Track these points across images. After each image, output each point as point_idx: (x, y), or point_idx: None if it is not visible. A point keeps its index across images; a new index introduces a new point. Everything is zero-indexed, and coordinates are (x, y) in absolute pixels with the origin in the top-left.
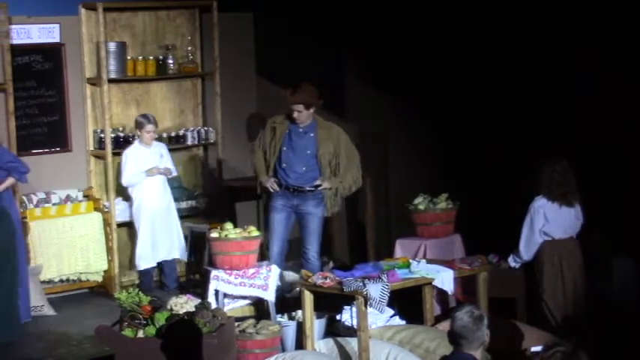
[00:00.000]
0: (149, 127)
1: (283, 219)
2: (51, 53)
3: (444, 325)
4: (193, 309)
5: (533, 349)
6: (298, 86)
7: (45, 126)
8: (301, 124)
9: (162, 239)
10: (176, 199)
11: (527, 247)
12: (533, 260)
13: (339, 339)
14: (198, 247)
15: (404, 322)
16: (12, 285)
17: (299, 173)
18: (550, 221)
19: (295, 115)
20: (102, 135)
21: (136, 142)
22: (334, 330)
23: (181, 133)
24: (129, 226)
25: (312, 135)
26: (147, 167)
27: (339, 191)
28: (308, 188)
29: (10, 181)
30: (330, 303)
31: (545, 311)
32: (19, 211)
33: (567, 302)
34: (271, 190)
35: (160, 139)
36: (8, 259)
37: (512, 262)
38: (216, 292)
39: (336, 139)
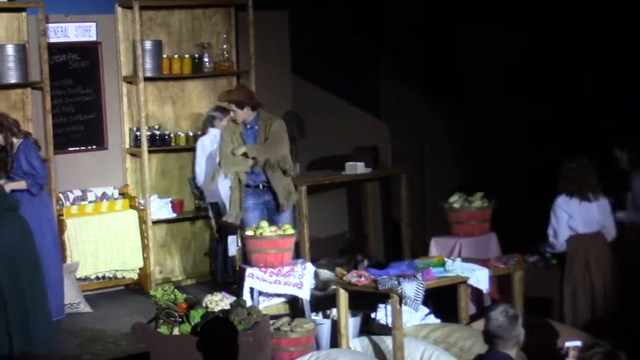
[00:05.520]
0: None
1: (258, 217)
2: (87, 52)
3: (479, 324)
4: (228, 307)
5: (567, 343)
6: (234, 87)
7: (81, 124)
8: (241, 122)
9: None
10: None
11: (557, 238)
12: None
13: (374, 337)
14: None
15: (439, 321)
16: (36, 294)
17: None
18: (572, 216)
19: (232, 114)
20: (138, 133)
21: None
22: (369, 328)
23: None
24: (164, 224)
25: (255, 128)
26: None
27: (260, 162)
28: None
29: (21, 184)
30: (364, 301)
31: (565, 309)
32: (55, 210)
33: (596, 300)
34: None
35: (195, 137)
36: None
37: (547, 249)
38: (251, 289)
39: (269, 126)
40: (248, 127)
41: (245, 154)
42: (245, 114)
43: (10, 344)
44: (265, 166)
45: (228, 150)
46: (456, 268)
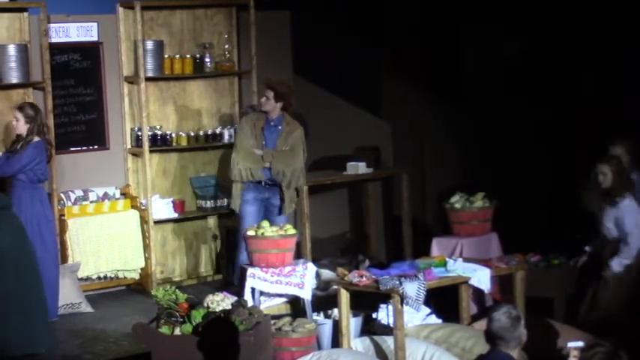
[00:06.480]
0: None
1: (255, 212)
2: (89, 52)
3: (481, 324)
4: (230, 307)
5: (570, 344)
6: (281, 79)
7: (83, 124)
8: (266, 111)
9: None
10: (212, 197)
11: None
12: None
13: (375, 337)
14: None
15: (440, 321)
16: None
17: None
18: None
19: (262, 99)
20: (139, 133)
21: None
22: (370, 328)
23: (218, 131)
24: (166, 224)
25: (279, 128)
26: None
27: (273, 169)
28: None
29: None
30: (366, 301)
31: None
32: (55, 210)
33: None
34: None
35: (196, 137)
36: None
37: (617, 266)
38: (253, 289)
39: (291, 132)
40: (272, 124)
41: (261, 157)
42: (275, 107)
43: (7, 346)
44: (277, 174)
45: (248, 144)
46: (458, 268)
